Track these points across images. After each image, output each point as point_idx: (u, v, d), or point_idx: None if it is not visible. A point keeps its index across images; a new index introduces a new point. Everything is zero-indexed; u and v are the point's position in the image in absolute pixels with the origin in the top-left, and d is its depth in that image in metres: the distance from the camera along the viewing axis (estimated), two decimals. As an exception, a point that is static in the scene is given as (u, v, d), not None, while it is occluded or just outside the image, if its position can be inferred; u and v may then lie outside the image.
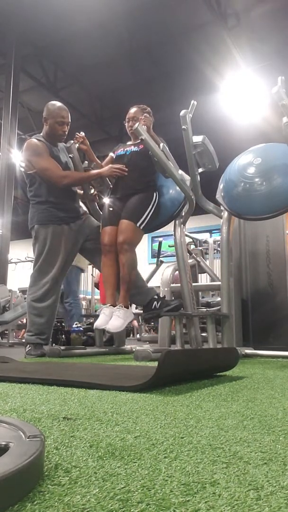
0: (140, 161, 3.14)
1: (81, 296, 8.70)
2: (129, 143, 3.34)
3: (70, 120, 3.24)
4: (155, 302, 3.09)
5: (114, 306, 2.93)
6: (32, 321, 3.12)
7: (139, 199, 3.07)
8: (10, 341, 6.83)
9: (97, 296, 8.26)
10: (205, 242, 6.27)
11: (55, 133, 3.19)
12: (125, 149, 3.26)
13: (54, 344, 5.16)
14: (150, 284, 3.68)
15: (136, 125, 2.85)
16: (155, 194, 3.14)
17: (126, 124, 3.27)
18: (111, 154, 3.36)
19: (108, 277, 3.07)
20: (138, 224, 2.98)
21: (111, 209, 3.15)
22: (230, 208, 3.11)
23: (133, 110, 3.26)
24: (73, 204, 3.29)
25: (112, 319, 2.86)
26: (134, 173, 3.14)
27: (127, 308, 2.96)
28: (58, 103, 3.29)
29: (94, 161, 3.32)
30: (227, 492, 0.49)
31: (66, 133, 3.24)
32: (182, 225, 3.29)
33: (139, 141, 3.01)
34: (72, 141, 3.27)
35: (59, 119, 3.17)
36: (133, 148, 3.21)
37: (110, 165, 3.20)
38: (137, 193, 3.09)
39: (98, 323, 2.91)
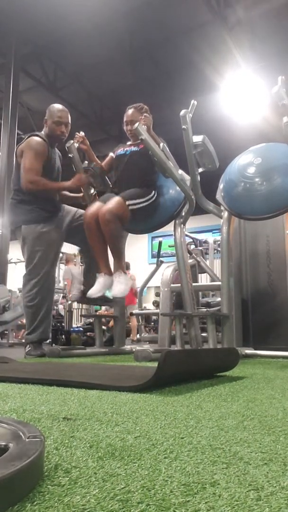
0: (140, 160, 3.14)
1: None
2: (129, 143, 3.34)
3: (69, 121, 3.24)
4: None
5: (109, 275, 2.99)
6: (30, 320, 3.12)
7: (136, 190, 3.10)
8: (10, 341, 6.83)
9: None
10: (205, 242, 6.27)
11: (53, 133, 3.19)
12: (125, 149, 3.26)
13: (54, 344, 5.17)
14: (150, 284, 3.70)
15: (136, 125, 2.84)
16: (153, 191, 3.17)
17: (124, 128, 3.28)
18: (111, 154, 3.36)
19: (95, 247, 3.08)
20: (126, 200, 2.99)
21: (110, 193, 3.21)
22: (230, 208, 3.10)
23: (130, 112, 3.25)
24: (55, 200, 3.30)
25: (114, 285, 2.94)
26: (134, 172, 3.15)
27: (125, 273, 3.04)
28: (59, 105, 3.29)
29: (94, 161, 3.32)
30: (227, 492, 0.49)
31: (65, 134, 3.23)
32: (182, 225, 3.29)
33: (139, 141, 3.00)
34: (72, 141, 3.26)
35: (56, 119, 3.18)
36: (133, 148, 3.22)
37: (78, 176, 3.21)
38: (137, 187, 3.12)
39: (93, 291, 2.95)
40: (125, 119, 3.27)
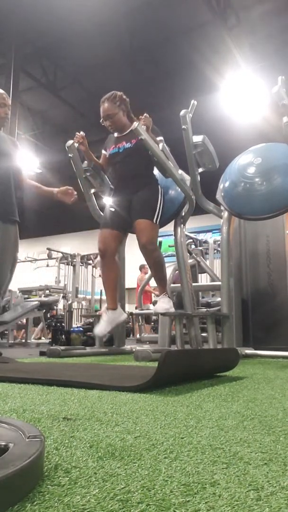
0: (137, 156, 2.99)
1: (81, 296, 8.71)
2: (116, 134, 3.14)
3: (7, 103, 2.74)
4: None
5: (115, 310, 2.95)
6: None
7: (147, 194, 2.97)
8: (10, 341, 6.83)
9: (97, 297, 8.26)
10: (205, 242, 6.27)
11: None
12: (118, 146, 3.08)
13: (54, 344, 5.17)
14: (150, 284, 3.70)
15: (136, 125, 2.82)
16: (159, 186, 3.05)
17: (103, 123, 3.10)
18: (103, 152, 3.23)
19: (106, 281, 3.04)
20: (154, 220, 2.90)
21: (112, 209, 3.06)
22: (230, 208, 3.11)
23: (105, 105, 3.04)
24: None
25: (158, 303, 3.02)
26: (134, 169, 3.02)
27: (169, 297, 3.06)
28: None
29: (93, 161, 3.29)
30: (227, 492, 0.49)
31: (7, 115, 2.74)
32: (182, 225, 3.29)
33: (127, 132, 2.94)
34: (71, 141, 3.26)
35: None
36: (126, 145, 3.03)
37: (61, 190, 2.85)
38: (141, 189, 2.98)
39: (98, 330, 2.94)
40: (101, 114, 3.06)
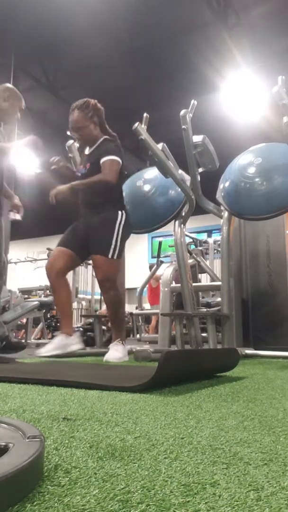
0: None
1: (81, 296, 8.71)
2: (86, 151, 2.90)
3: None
4: None
5: (69, 335, 2.66)
6: None
7: (101, 226, 2.70)
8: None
9: (97, 296, 8.26)
10: (205, 242, 6.27)
11: None
12: (84, 167, 2.83)
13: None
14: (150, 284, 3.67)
15: (136, 125, 2.81)
16: (119, 212, 2.73)
17: (72, 134, 2.84)
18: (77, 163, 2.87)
19: (58, 304, 2.79)
20: (110, 256, 2.64)
21: (73, 230, 2.83)
22: (230, 208, 3.11)
23: (75, 115, 2.74)
24: None
25: (111, 351, 2.68)
26: (87, 197, 2.76)
27: (124, 344, 2.76)
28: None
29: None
30: (227, 493, 0.49)
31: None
32: (182, 225, 3.29)
33: (94, 149, 2.75)
34: (72, 141, 3.25)
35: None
36: (82, 170, 2.81)
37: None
38: (98, 213, 2.71)
39: (44, 350, 2.58)
40: (70, 124, 2.78)
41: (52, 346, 2.57)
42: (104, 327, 4.44)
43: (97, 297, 8.24)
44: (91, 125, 2.75)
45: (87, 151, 2.84)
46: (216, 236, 6.47)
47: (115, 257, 2.65)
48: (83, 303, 9.04)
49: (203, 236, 7.77)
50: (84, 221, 2.76)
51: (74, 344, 2.64)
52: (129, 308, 8.83)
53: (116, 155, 2.69)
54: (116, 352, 2.65)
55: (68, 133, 2.85)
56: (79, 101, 2.77)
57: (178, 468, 0.58)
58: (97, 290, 7.88)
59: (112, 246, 2.64)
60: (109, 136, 2.83)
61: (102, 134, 2.81)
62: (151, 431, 0.79)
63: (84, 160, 2.84)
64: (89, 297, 9.10)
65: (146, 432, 0.79)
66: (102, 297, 2.81)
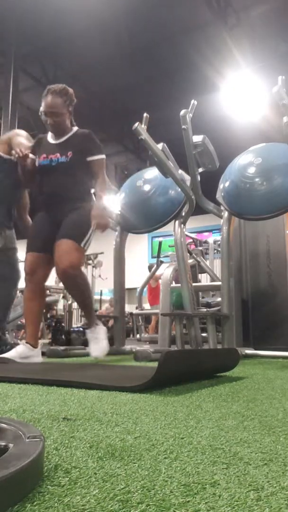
0: (71, 173, 2.59)
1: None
2: (51, 139, 2.71)
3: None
4: None
5: (34, 347, 2.50)
6: None
7: (78, 218, 2.55)
8: (10, 341, 6.82)
9: (97, 297, 8.26)
10: (205, 242, 6.27)
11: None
12: (50, 157, 2.61)
13: (54, 344, 5.17)
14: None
15: (136, 125, 2.80)
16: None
17: (42, 117, 2.67)
18: (32, 156, 2.63)
19: (29, 314, 2.60)
20: (82, 244, 2.50)
21: (42, 229, 2.65)
22: (230, 208, 3.11)
23: (53, 99, 2.59)
24: None
25: (93, 343, 2.56)
26: (65, 189, 2.59)
27: (100, 325, 2.66)
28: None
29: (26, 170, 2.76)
30: (227, 493, 0.49)
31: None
32: (182, 225, 3.29)
33: (63, 140, 2.62)
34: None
35: None
36: (60, 159, 2.59)
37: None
38: (72, 212, 2.56)
39: (8, 355, 2.42)
40: (43, 108, 2.63)
41: (14, 355, 2.41)
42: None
43: (97, 297, 8.24)
44: (67, 114, 2.66)
45: (54, 139, 2.68)
46: (216, 236, 6.47)
47: (85, 248, 2.56)
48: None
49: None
50: (58, 215, 2.59)
51: (36, 357, 2.50)
52: (129, 308, 8.83)
53: (103, 154, 2.70)
54: (99, 342, 2.55)
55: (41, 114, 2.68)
56: (57, 86, 2.65)
57: (178, 468, 0.58)
58: (97, 290, 7.88)
59: (86, 238, 2.53)
60: (80, 129, 2.72)
61: (72, 125, 2.72)
62: (151, 431, 0.79)
63: (51, 149, 2.64)
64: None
65: (146, 432, 0.79)
66: (65, 288, 2.66)
